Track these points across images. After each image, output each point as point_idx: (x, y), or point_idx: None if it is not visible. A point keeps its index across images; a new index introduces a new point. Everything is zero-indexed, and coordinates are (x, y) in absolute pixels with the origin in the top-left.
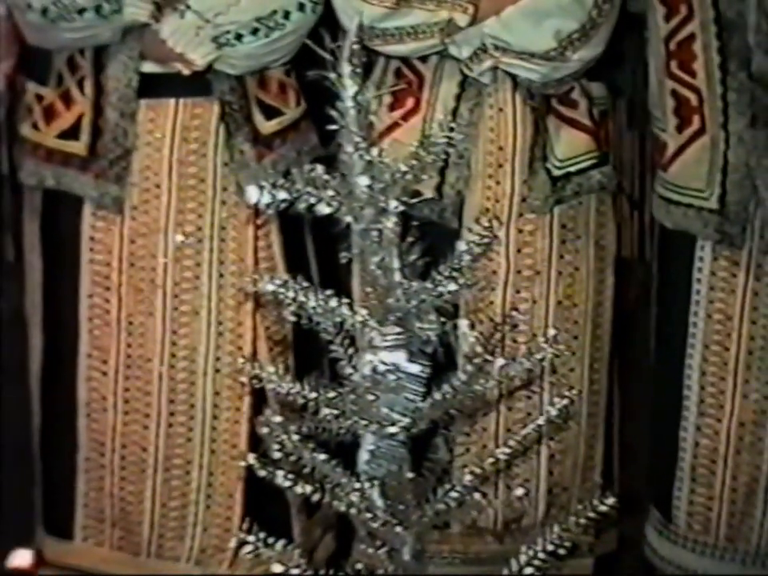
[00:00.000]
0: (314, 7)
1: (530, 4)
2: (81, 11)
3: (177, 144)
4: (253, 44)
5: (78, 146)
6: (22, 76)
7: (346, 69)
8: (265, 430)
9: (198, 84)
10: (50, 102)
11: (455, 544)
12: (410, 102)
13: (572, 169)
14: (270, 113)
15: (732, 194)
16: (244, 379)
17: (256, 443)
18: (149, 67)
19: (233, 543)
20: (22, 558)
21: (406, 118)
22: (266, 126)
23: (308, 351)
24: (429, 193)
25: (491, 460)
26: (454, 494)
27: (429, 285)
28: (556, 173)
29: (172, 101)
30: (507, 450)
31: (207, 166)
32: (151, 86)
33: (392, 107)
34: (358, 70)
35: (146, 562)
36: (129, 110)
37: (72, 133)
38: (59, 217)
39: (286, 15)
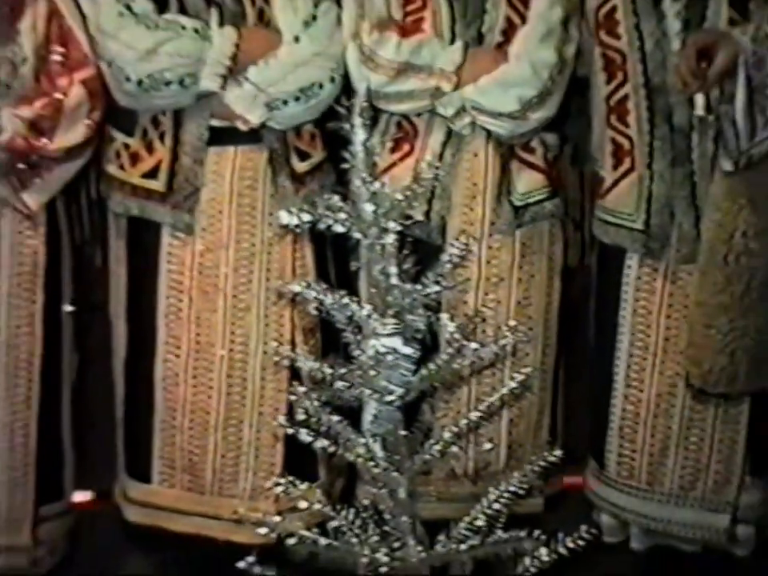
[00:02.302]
0: (340, 79)
1: (500, 75)
2: (168, 83)
3: (235, 181)
4: (295, 108)
5: (158, 184)
6: (108, 125)
7: (357, 121)
8: (293, 398)
9: (252, 136)
10: (136, 150)
11: (438, 486)
12: (406, 147)
13: (530, 200)
14: (303, 156)
15: (654, 217)
16: (283, 359)
17: (292, 408)
18: (215, 123)
19: (269, 484)
20: (84, 495)
21: (402, 159)
22: (300, 167)
23: (329, 337)
24: (419, 217)
25: (465, 421)
26: (437, 447)
27: (419, 287)
28: (517, 204)
29: (232, 148)
30: (477, 414)
31: (258, 198)
32: (216, 137)
33: (392, 150)
34: (367, 123)
35: (209, 500)
36: (200, 157)
37: (153, 174)
38: (142, 237)
39: (321, 86)
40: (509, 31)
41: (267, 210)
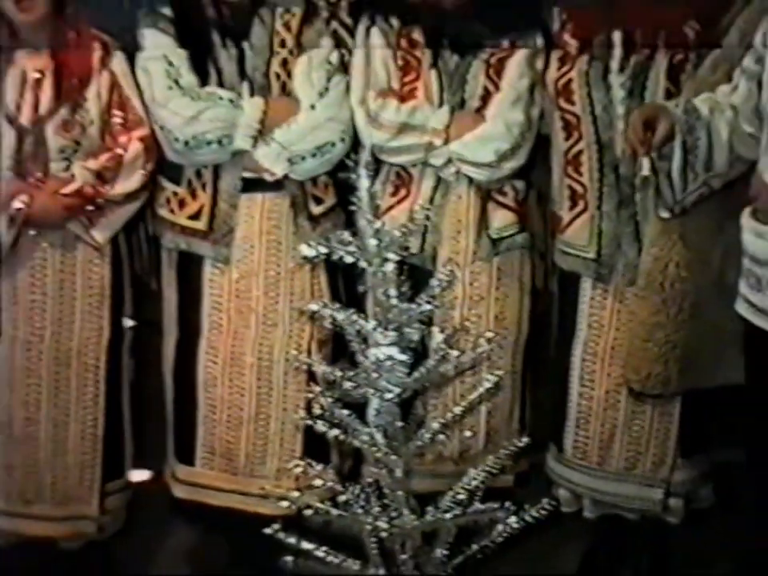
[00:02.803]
0: (349, 139)
1: (479, 133)
2: (209, 143)
3: (263, 222)
4: (312, 163)
5: (201, 225)
6: (160, 176)
7: (362, 172)
8: (311, 396)
9: (276, 185)
10: (182, 197)
11: (429, 466)
12: (403, 192)
13: (504, 234)
14: (319, 201)
15: (604, 249)
16: (302, 365)
17: (310, 404)
18: (247, 174)
19: (290, 466)
20: (141, 475)
21: (400, 202)
22: (316, 210)
23: (339, 346)
24: (415, 249)
25: (450, 414)
26: (427, 435)
27: (414, 305)
28: (494, 237)
29: (260, 195)
30: (460, 408)
31: (282, 235)
32: (248, 186)
33: (392, 195)
34: (370, 173)
35: (241, 479)
36: (234, 202)
37: (196, 216)
38: (189, 267)
39: (333, 145)
40: (486, 97)
41: (290, 244)
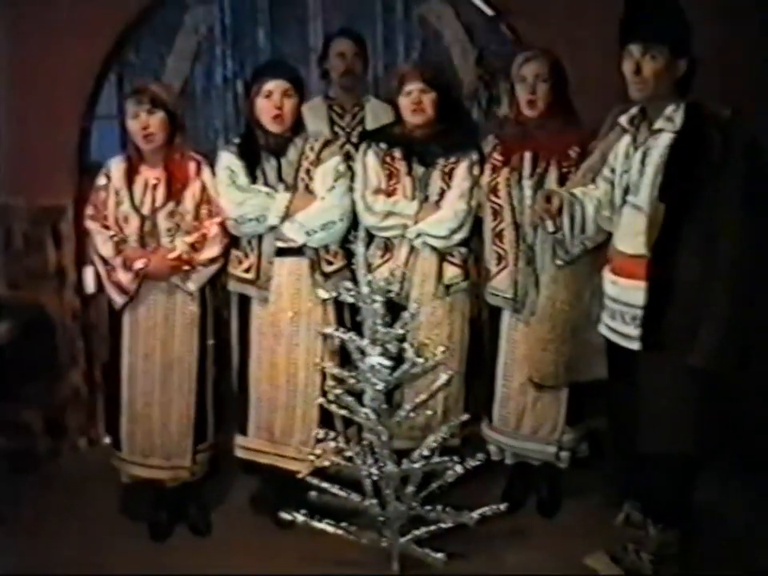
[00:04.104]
0: (347, 220)
1: (437, 216)
2: (250, 220)
3: (290, 275)
4: (322, 235)
5: (250, 276)
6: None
7: (359, 243)
8: (326, 388)
9: (299, 251)
10: (240, 258)
11: (405, 432)
12: (387, 255)
13: (453, 282)
14: (330, 263)
15: (518, 291)
16: (319, 368)
17: (324, 395)
18: (279, 243)
19: (313, 434)
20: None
21: (385, 262)
22: (328, 269)
23: (344, 356)
24: (395, 291)
25: (418, 399)
26: (402, 413)
27: (392, 330)
28: (447, 284)
29: (287, 258)
30: (425, 396)
31: (302, 285)
32: (280, 251)
33: (380, 257)
34: (364, 244)
35: (278, 446)
36: (271, 261)
37: (248, 270)
38: (244, 304)
39: (335, 223)
40: (442, 194)
41: (309, 291)
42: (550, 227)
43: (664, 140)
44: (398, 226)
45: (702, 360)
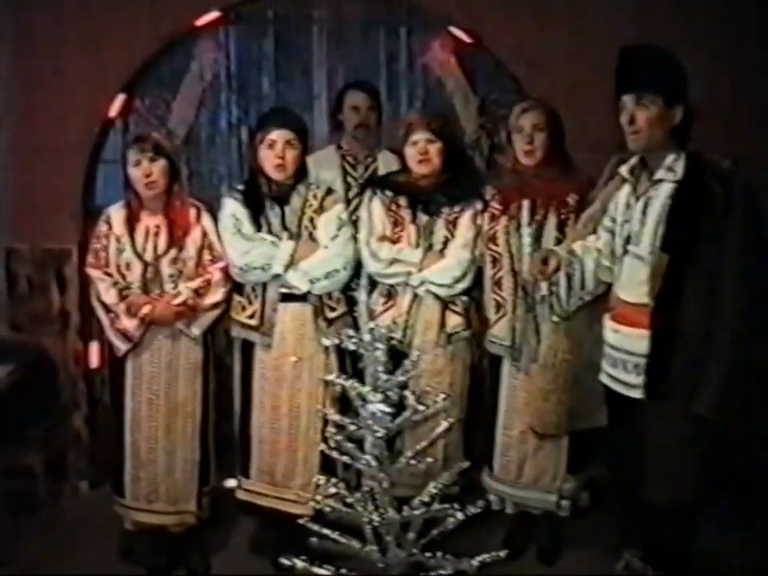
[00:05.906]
0: (351, 268)
1: (441, 265)
2: (255, 269)
3: (293, 321)
4: (325, 283)
5: (254, 323)
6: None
7: (361, 290)
8: (327, 435)
9: (302, 298)
10: (243, 304)
11: (405, 480)
12: (391, 303)
13: (455, 331)
14: (332, 310)
15: (516, 340)
16: (320, 414)
17: (326, 440)
18: (283, 290)
19: (314, 480)
20: (231, 482)
21: (388, 309)
22: (331, 315)
23: (345, 402)
24: (397, 339)
25: (419, 447)
26: (403, 461)
27: (394, 377)
28: (449, 332)
29: (292, 304)
30: (425, 443)
31: (305, 331)
32: (284, 298)
33: (384, 304)
34: (367, 290)
35: (279, 489)
36: (275, 308)
37: (251, 316)
38: (247, 349)
39: (338, 271)
40: (446, 243)
41: (312, 337)
42: (544, 290)
43: (665, 190)
44: (402, 274)
45: (705, 408)
